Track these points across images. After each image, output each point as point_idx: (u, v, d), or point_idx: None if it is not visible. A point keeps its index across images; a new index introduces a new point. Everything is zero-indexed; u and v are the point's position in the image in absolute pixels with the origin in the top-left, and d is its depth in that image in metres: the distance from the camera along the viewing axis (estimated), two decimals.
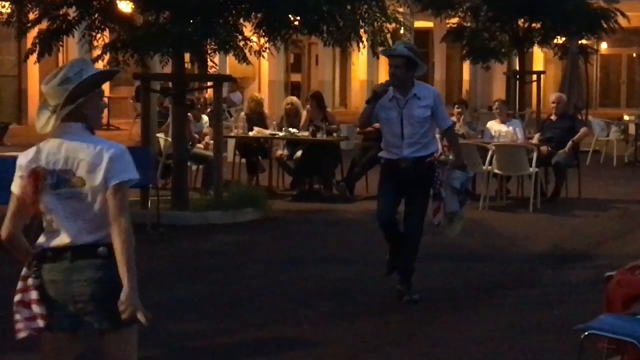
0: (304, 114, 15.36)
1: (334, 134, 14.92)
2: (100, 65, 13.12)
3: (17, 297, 4.55)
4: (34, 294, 4.50)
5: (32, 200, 4.45)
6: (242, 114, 16.24)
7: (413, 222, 8.44)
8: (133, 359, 4.64)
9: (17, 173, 4.54)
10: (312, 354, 7.05)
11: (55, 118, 4.43)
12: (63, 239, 4.47)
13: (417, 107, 8.28)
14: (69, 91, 4.41)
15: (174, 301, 8.37)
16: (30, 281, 4.52)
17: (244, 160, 15.69)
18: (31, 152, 4.52)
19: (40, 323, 4.47)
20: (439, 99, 8.46)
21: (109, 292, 4.42)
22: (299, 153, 14.83)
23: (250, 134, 15.25)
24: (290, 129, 14.94)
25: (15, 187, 4.54)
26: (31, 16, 12.84)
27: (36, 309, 4.49)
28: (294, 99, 16.36)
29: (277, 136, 15.16)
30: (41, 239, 4.55)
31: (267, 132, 15.23)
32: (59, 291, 4.48)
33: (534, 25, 23.52)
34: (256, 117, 15.66)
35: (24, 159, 4.53)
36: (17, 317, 4.53)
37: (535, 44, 24.76)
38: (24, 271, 4.57)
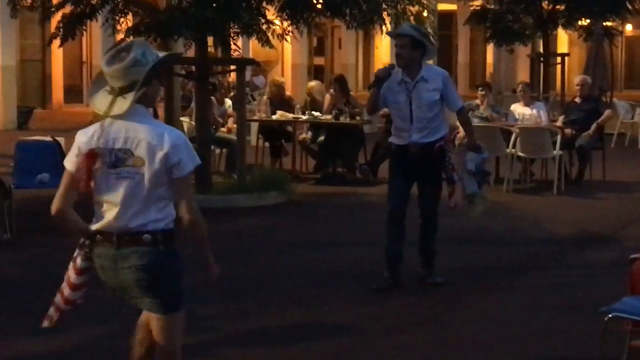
0: (327, 97, 15.35)
1: (357, 118, 14.91)
2: None
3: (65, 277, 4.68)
4: (72, 277, 4.63)
5: (85, 180, 4.46)
6: (265, 97, 16.26)
7: (427, 207, 8.36)
8: (178, 344, 4.72)
9: (74, 150, 4.53)
10: (335, 336, 7.07)
11: (130, 100, 4.41)
12: (111, 222, 4.50)
13: (425, 90, 8.13)
14: (146, 73, 4.42)
15: (197, 284, 8.40)
16: (77, 262, 4.62)
17: (267, 143, 15.71)
18: (91, 130, 4.51)
19: (62, 304, 4.67)
20: (448, 80, 8.30)
21: (153, 279, 4.50)
22: (322, 136, 14.83)
23: (274, 117, 15.26)
24: (314, 112, 14.94)
25: (69, 163, 4.54)
26: (55, 1, 12.89)
27: (67, 292, 4.65)
28: (317, 82, 16.36)
29: (300, 120, 15.16)
30: (93, 222, 4.59)
31: (290, 115, 15.23)
32: (108, 276, 4.58)
33: (558, 7, 23.41)
34: (278, 100, 15.66)
35: (83, 137, 4.52)
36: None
37: (560, 26, 24.64)
38: (76, 251, 4.65)
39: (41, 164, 10.76)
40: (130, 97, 4.41)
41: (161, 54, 4.58)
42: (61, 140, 11.87)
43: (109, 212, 4.50)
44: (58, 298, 4.73)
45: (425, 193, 8.36)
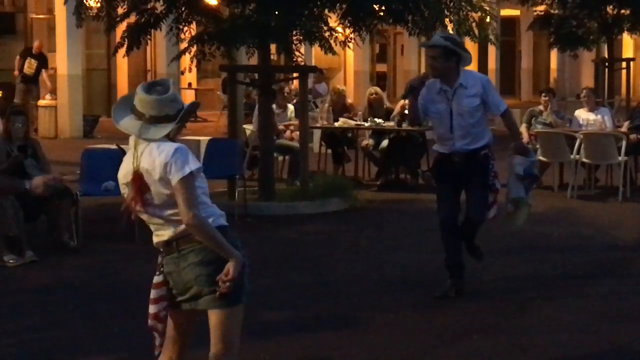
0: (400, 102, 15.24)
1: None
2: (187, 57, 13.32)
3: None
4: (151, 292, 4.89)
5: (137, 202, 4.77)
6: (327, 105, 16.29)
7: (475, 214, 8.22)
8: (235, 340, 4.81)
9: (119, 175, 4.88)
10: (399, 342, 7.06)
11: (168, 130, 4.72)
12: (160, 238, 4.81)
13: (465, 96, 8.02)
14: (181, 112, 4.75)
15: (261, 290, 8.45)
16: (154, 279, 4.88)
17: (329, 150, 15.74)
18: (129, 156, 4.82)
19: (150, 322, 4.91)
20: (487, 84, 8.19)
21: (210, 273, 4.67)
22: (384, 143, 14.82)
23: (336, 124, 15.29)
24: (376, 119, 14.93)
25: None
26: (120, 10, 13.05)
27: (151, 308, 4.91)
28: (377, 89, 16.32)
29: (362, 126, 15.17)
30: (154, 239, 4.90)
31: (353, 122, 15.24)
32: (174, 280, 4.82)
33: (623, 11, 23.15)
34: (340, 108, 15.68)
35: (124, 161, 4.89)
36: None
37: (625, 31, 24.36)
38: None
39: (107, 171, 10.85)
40: (166, 127, 4.71)
41: (186, 104, 4.85)
42: (126, 148, 12.01)
43: (161, 225, 4.80)
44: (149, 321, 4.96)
45: (472, 200, 8.24)
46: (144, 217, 4.80)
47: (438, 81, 8.10)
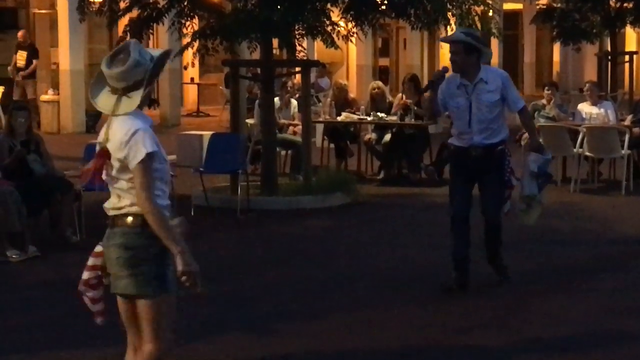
0: (398, 97, 15.27)
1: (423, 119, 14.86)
2: (189, 52, 13.32)
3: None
4: (89, 260, 5.01)
5: (89, 175, 4.84)
6: (329, 99, 16.29)
7: (490, 209, 8.28)
8: (165, 332, 4.80)
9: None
10: (401, 336, 7.06)
11: (138, 98, 4.65)
12: (107, 205, 4.83)
13: (485, 91, 8.08)
14: (148, 73, 4.64)
15: (264, 285, 8.45)
16: (96, 247, 4.96)
17: (332, 145, 15.73)
18: (102, 130, 4.77)
19: (80, 287, 5.06)
20: (507, 81, 8.23)
21: (133, 258, 4.67)
22: (387, 137, 14.82)
23: (339, 118, 15.28)
24: (379, 114, 14.92)
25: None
26: (122, 5, 13.04)
27: (84, 274, 5.06)
28: (380, 83, 16.32)
29: (365, 121, 15.16)
30: None
31: (355, 116, 15.24)
32: (105, 256, 4.85)
33: (626, 4, 23.12)
34: (342, 102, 15.68)
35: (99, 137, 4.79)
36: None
37: (628, 24, 24.33)
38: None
39: None
40: (136, 95, 4.65)
41: (155, 53, 4.74)
42: None
43: (114, 196, 4.83)
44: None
45: (487, 195, 8.28)
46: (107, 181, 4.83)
47: (458, 76, 8.14)
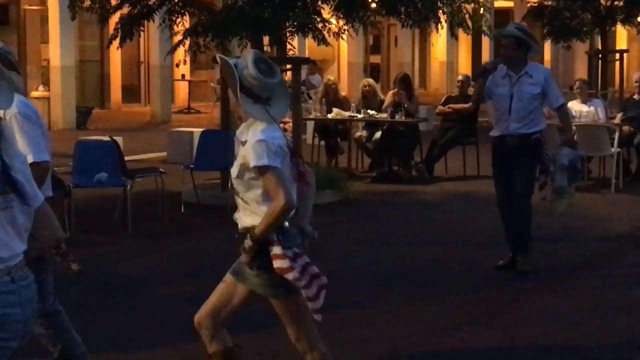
0: (388, 95, 15.27)
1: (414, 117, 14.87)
2: (181, 50, 13.30)
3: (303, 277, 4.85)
4: (305, 258, 4.99)
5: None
6: (320, 96, 16.29)
7: (519, 197, 8.73)
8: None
9: (275, 150, 4.73)
10: (391, 333, 7.07)
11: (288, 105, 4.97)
12: None
13: (527, 84, 8.63)
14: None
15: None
16: (295, 250, 4.92)
17: (322, 142, 15.74)
18: (277, 132, 4.83)
19: (324, 279, 4.99)
20: (550, 78, 8.80)
21: None
22: (377, 134, 14.83)
23: (329, 116, 15.28)
24: (369, 111, 14.93)
25: (275, 162, 4.72)
26: (113, 2, 13.03)
27: (312, 269, 4.97)
28: (371, 80, 16.32)
29: (355, 118, 15.17)
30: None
31: (346, 114, 15.24)
32: None
33: (616, 2, 23.13)
34: (332, 100, 15.68)
35: (277, 138, 4.78)
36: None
37: (618, 22, 24.35)
38: (289, 251, 4.86)
39: (99, 163, 10.87)
40: (285, 102, 4.87)
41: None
42: (119, 140, 12.01)
43: None
44: (312, 290, 4.91)
45: (517, 180, 8.73)
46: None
47: (505, 67, 8.66)
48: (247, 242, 4.75)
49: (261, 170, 4.68)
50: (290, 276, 4.76)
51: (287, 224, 4.87)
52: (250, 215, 4.82)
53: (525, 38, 8.62)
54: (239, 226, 4.88)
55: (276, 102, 4.82)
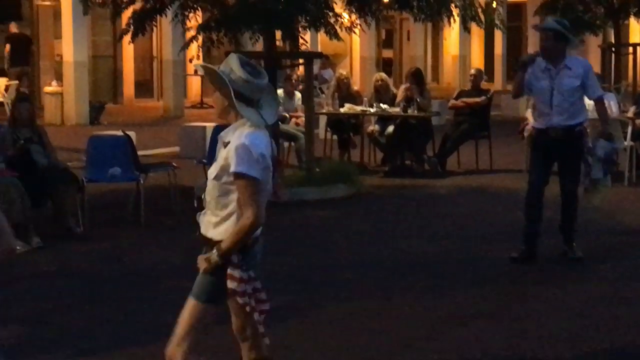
0: (401, 89, 15.28)
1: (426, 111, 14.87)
2: (195, 45, 13.33)
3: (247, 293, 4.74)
4: (258, 284, 4.80)
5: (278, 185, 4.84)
6: (332, 91, 16.30)
7: (569, 190, 8.91)
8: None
9: (257, 158, 4.58)
10: (401, 325, 7.09)
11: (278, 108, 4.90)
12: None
13: (567, 77, 8.71)
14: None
15: (267, 274, 8.46)
16: (251, 274, 4.74)
17: (335, 136, 15.75)
18: (263, 139, 4.67)
19: (266, 306, 4.84)
20: (589, 71, 8.87)
21: None
22: (390, 129, 14.82)
23: (342, 110, 15.29)
24: (382, 105, 14.94)
25: (255, 171, 4.57)
26: None
27: (262, 295, 4.82)
28: (384, 75, 16.33)
29: (368, 112, 15.17)
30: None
31: (359, 108, 15.25)
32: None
33: None
34: (344, 94, 15.68)
35: (261, 146, 4.63)
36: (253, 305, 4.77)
37: (631, 16, 24.30)
38: (245, 274, 4.71)
39: (113, 158, 10.91)
40: (274, 106, 4.82)
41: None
42: (132, 134, 12.04)
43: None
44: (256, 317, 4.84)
45: (565, 174, 8.90)
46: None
47: (544, 61, 8.73)
48: (213, 257, 4.63)
49: (237, 177, 4.56)
50: (240, 301, 4.70)
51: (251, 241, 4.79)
52: (215, 227, 4.70)
53: (564, 31, 8.69)
54: (202, 230, 4.76)
55: (267, 105, 4.72)
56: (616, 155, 9.38)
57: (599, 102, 9.03)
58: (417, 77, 15.18)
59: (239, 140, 4.59)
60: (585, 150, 8.89)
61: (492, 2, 15.19)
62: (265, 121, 4.67)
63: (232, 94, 4.59)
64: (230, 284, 4.67)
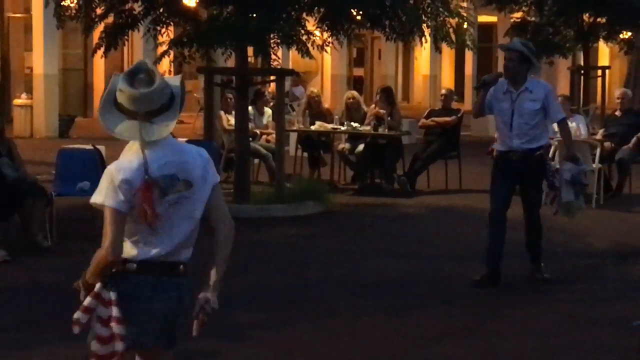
0: (371, 107, 15.32)
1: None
2: (166, 60, 13.32)
3: (94, 312, 4.27)
4: (114, 311, 4.21)
5: (152, 213, 4.17)
6: (303, 108, 16.31)
7: (530, 211, 8.89)
8: None
9: (119, 184, 4.19)
10: (370, 346, 7.08)
11: (172, 122, 4.26)
12: (154, 252, 4.27)
13: (528, 100, 8.67)
14: (181, 96, 4.29)
15: (235, 292, 8.45)
16: (110, 295, 4.24)
17: (305, 154, 15.75)
18: (134, 161, 4.22)
19: (119, 346, 4.21)
20: (550, 94, 8.86)
21: (180, 310, 4.40)
22: (360, 147, 14.85)
23: (312, 128, 15.29)
24: (352, 123, 14.96)
25: (112, 200, 4.20)
26: (98, 11, 13.01)
27: (116, 328, 4.21)
28: (355, 93, 16.36)
29: (338, 130, 15.19)
30: (129, 251, 4.29)
31: (329, 126, 15.26)
32: (139, 307, 4.27)
33: (599, 19, 23.30)
34: (315, 112, 15.70)
35: (127, 168, 4.21)
36: (94, 333, 4.28)
37: (601, 39, 24.53)
38: (97, 287, 4.29)
39: (82, 171, 10.85)
40: (166, 120, 4.24)
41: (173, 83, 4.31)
42: (102, 148, 11.99)
43: (155, 242, 4.27)
44: (102, 332, 4.27)
45: (527, 198, 8.89)
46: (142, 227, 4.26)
47: (506, 82, 8.72)
48: (77, 283, 4.39)
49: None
50: (76, 315, 4.28)
51: (134, 266, 4.26)
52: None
53: (529, 54, 8.68)
54: None
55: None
56: (584, 176, 9.40)
57: (562, 125, 9.04)
58: (387, 93, 15.23)
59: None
60: (549, 175, 8.90)
61: (464, 23, 15.26)
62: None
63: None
64: (82, 296, 4.33)
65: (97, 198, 4.27)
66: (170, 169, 4.24)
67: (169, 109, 4.25)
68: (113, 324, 4.20)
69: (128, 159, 4.24)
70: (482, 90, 8.93)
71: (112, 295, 4.22)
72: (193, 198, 4.32)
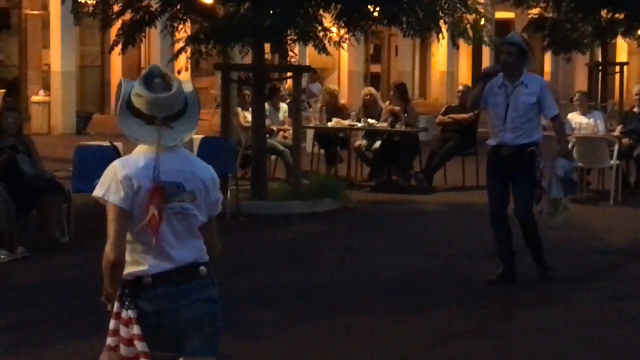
0: (386, 104, 15.32)
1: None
2: (183, 57, 13.33)
3: (117, 334, 4.20)
4: (135, 329, 4.12)
5: (158, 216, 4.08)
6: (320, 105, 16.30)
7: (521, 211, 8.73)
8: None
9: (121, 180, 4.16)
10: (386, 343, 7.08)
11: (193, 129, 4.25)
12: (164, 262, 4.17)
13: (523, 94, 8.59)
14: (197, 101, 4.25)
15: (250, 289, 8.46)
16: (129, 314, 4.14)
17: (322, 150, 15.75)
18: (141, 161, 4.17)
19: None
20: (545, 88, 8.79)
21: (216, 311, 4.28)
22: (377, 144, 14.84)
23: (329, 124, 15.29)
24: (369, 120, 14.95)
25: (114, 196, 4.17)
26: (115, 8, 13.04)
27: (140, 346, 4.12)
28: (372, 89, 16.35)
29: (355, 127, 15.18)
30: (136, 266, 4.21)
31: (346, 122, 15.26)
32: (166, 320, 4.17)
33: (617, 15, 23.19)
34: (332, 108, 15.69)
35: (131, 167, 4.17)
36: (119, 353, 4.20)
37: (619, 35, 24.41)
38: (116, 306, 4.22)
39: (99, 168, 10.75)
40: (185, 126, 4.21)
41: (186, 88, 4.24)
42: (119, 145, 12.01)
43: (164, 253, 4.17)
44: (128, 352, 4.17)
45: (517, 194, 8.75)
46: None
47: (501, 76, 8.64)
48: (103, 299, 4.31)
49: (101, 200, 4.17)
50: (108, 340, 4.22)
51: (150, 280, 4.15)
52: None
53: (526, 49, 8.66)
54: None
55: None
56: (575, 174, 9.28)
57: (556, 121, 8.90)
58: (401, 90, 15.22)
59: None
60: (539, 173, 8.71)
61: (481, 19, 15.21)
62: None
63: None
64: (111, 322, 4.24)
65: (98, 191, 4.23)
66: (177, 176, 4.19)
67: (183, 114, 4.19)
68: (136, 342, 4.10)
69: (135, 157, 4.20)
70: (482, 81, 8.84)
71: (132, 314, 4.13)
72: (195, 210, 4.26)
